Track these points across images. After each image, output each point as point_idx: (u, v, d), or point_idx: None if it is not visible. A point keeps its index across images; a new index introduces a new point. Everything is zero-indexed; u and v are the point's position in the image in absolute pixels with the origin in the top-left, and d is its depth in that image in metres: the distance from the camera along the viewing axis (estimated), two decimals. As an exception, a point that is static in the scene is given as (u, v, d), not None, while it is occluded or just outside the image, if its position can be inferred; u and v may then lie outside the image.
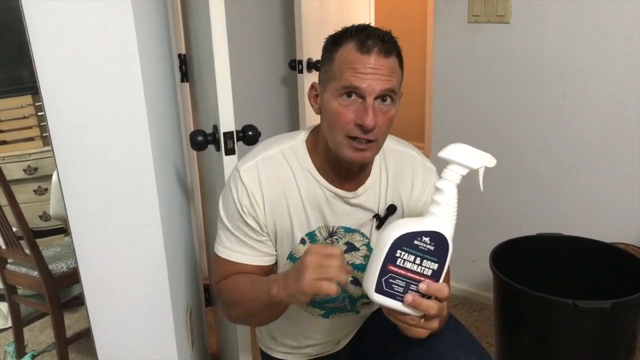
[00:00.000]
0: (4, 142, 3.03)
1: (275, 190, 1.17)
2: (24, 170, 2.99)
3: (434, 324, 0.98)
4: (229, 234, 1.19)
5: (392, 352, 1.27)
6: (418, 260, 0.89)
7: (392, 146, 1.25)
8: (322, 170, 1.19)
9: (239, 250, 1.19)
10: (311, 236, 1.21)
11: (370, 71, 1.04)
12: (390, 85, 1.06)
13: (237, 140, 1.32)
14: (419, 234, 0.89)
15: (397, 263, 0.91)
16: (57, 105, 1.08)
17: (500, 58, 2.21)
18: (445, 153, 0.93)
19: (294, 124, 2.95)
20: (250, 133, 1.32)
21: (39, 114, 2.95)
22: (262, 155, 1.18)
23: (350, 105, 1.07)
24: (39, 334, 2.50)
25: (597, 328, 1.55)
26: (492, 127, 2.30)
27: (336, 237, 1.22)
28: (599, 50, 1.99)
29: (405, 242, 0.89)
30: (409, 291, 0.92)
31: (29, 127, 2.98)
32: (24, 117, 2.98)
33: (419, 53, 4.05)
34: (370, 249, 1.24)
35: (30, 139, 2.99)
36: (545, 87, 2.13)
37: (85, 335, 2.23)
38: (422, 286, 0.92)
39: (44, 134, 2.97)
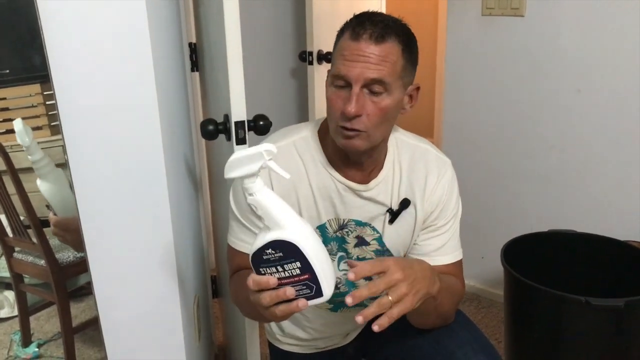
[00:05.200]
0: (13, 131, 3.02)
1: (285, 182, 1.16)
2: (32, 159, 2.99)
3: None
4: (239, 224, 1.18)
5: (400, 347, 1.27)
6: (280, 268, 0.89)
7: (407, 140, 1.23)
8: (333, 162, 1.17)
9: (248, 240, 1.18)
10: (322, 229, 1.20)
11: (357, 59, 1.03)
12: (377, 74, 1.03)
13: (249, 130, 1.30)
14: (261, 250, 0.88)
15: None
16: (68, 93, 1.07)
17: (514, 52, 2.18)
18: (228, 174, 0.87)
19: (303, 116, 2.93)
20: (261, 123, 1.31)
21: (48, 103, 2.95)
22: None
23: (340, 92, 1.06)
24: (45, 323, 2.51)
25: (610, 326, 1.53)
26: (504, 121, 2.28)
27: (346, 229, 1.21)
28: (615, 45, 1.97)
29: (258, 260, 0.89)
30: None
31: (37, 116, 2.97)
32: (32, 106, 2.97)
33: (430, 47, 4.02)
34: (381, 244, 1.23)
35: (39, 128, 2.98)
36: (560, 82, 2.10)
37: (91, 325, 2.23)
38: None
39: (52, 123, 2.97)
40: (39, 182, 1.97)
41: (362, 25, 1.03)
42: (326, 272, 0.89)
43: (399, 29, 1.06)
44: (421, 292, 0.97)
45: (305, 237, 0.88)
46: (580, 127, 2.10)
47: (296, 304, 0.88)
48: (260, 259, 0.89)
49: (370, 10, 1.09)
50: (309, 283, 0.88)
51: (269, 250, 0.88)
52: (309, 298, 0.89)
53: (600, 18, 1.97)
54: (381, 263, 0.94)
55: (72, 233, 1.93)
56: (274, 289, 0.88)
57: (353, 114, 1.03)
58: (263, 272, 0.89)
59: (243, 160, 0.86)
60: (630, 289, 1.57)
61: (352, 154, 1.13)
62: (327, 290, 0.89)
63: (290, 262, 0.88)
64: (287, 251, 0.87)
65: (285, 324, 1.38)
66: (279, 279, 0.88)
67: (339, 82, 1.06)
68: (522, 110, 2.22)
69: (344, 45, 1.05)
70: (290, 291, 0.88)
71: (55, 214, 1.99)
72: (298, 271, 0.88)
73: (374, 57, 1.02)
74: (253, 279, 0.89)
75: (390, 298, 0.92)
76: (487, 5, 2.19)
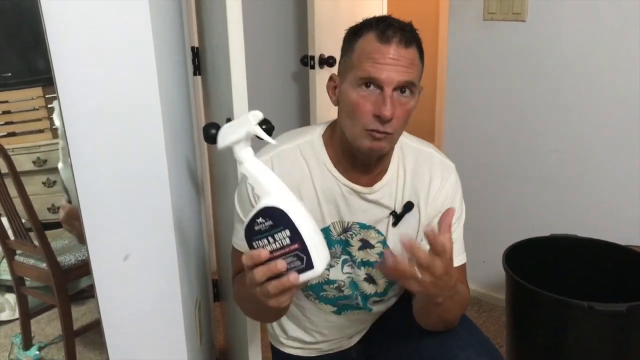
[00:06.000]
0: (14, 134, 3.03)
1: (289, 185, 1.14)
2: (33, 162, 2.99)
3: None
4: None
5: (404, 350, 1.26)
6: (271, 239, 0.89)
7: (411, 144, 1.23)
8: (338, 165, 1.17)
9: (251, 242, 1.18)
10: (326, 232, 1.20)
11: (389, 62, 1.03)
12: (409, 77, 1.05)
13: (251, 134, 1.30)
14: (252, 221, 0.89)
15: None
16: (71, 96, 1.07)
17: (515, 56, 2.19)
18: (220, 144, 0.92)
19: (304, 120, 2.94)
20: (264, 127, 1.30)
21: (49, 106, 2.95)
22: (277, 150, 1.17)
23: (369, 95, 1.06)
24: (46, 326, 2.50)
25: (613, 331, 1.53)
26: (505, 126, 2.28)
27: (350, 232, 1.21)
28: (616, 50, 1.97)
29: (251, 232, 0.90)
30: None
31: (39, 119, 2.98)
32: (34, 109, 2.97)
33: (431, 52, 4.02)
34: (385, 246, 1.22)
35: (40, 131, 2.98)
36: (561, 86, 2.11)
37: (92, 328, 2.23)
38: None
39: (53, 126, 2.97)
40: (61, 166, 1.95)
41: (390, 29, 1.04)
42: (316, 243, 0.89)
43: (417, 35, 1.08)
44: (433, 292, 0.98)
45: (292, 204, 0.89)
46: (581, 132, 2.10)
47: (287, 277, 0.87)
48: (252, 231, 0.89)
49: (386, 15, 1.11)
50: (299, 254, 0.88)
51: (259, 220, 0.88)
52: (300, 271, 0.89)
53: (602, 23, 1.97)
54: (446, 253, 0.93)
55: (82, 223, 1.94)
56: (266, 263, 0.88)
57: (390, 116, 1.03)
58: (256, 246, 0.90)
59: (231, 129, 0.90)
60: (632, 294, 1.56)
61: (373, 156, 1.12)
62: (318, 262, 0.88)
63: (280, 231, 0.88)
64: (276, 219, 0.88)
65: (289, 326, 1.38)
66: (270, 251, 0.88)
67: (367, 85, 1.05)
68: (524, 114, 2.22)
69: (372, 48, 1.05)
70: (281, 264, 0.87)
71: (69, 201, 1.98)
72: (288, 240, 0.88)
73: (404, 60, 1.04)
74: (246, 254, 0.89)
75: (418, 274, 0.93)
76: (488, 10, 2.19)
